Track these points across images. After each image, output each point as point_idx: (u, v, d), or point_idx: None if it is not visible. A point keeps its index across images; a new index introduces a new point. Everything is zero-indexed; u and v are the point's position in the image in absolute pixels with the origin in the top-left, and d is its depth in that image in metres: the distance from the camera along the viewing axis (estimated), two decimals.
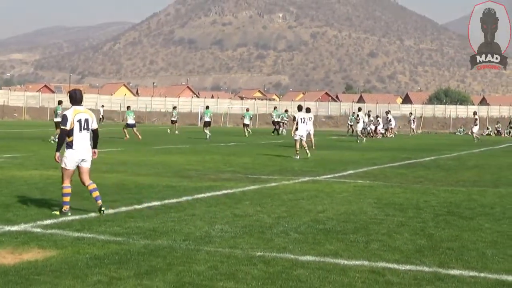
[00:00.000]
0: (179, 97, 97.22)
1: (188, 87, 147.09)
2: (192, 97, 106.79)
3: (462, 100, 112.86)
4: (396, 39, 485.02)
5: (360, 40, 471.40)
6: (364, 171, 17.54)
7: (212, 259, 6.69)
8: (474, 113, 45.27)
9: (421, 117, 68.06)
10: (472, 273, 6.36)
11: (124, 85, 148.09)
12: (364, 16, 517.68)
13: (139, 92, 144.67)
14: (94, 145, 9.77)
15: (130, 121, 34.17)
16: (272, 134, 44.48)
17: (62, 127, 9.38)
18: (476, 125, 41.93)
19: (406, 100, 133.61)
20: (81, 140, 9.43)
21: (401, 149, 29.33)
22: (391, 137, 46.45)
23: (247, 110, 47.59)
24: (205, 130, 35.67)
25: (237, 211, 9.90)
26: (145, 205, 10.26)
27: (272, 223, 8.94)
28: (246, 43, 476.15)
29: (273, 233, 8.22)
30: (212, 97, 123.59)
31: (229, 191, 12.33)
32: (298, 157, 21.35)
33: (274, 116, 47.42)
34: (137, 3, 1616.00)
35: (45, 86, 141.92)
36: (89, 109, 10.09)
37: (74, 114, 9.42)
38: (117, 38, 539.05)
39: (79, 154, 9.41)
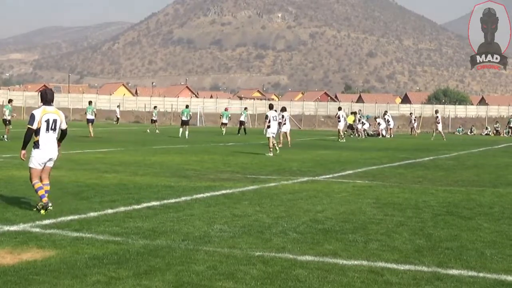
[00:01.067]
0: (178, 97, 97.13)
1: (187, 87, 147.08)
2: (191, 97, 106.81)
3: (461, 100, 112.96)
4: (395, 39, 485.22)
5: (359, 40, 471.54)
6: (363, 171, 17.55)
7: (211, 259, 6.69)
8: (436, 112, 45.49)
9: (420, 117, 68.11)
10: (471, 273, 6.36)
11: (123, 85, 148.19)
12: (363, 16, 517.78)
13: (138, 92, 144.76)
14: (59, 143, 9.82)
15: (89, 116, 34.13)
16: (238, 134, 43.00)
17: (28, 126, 9.45)
18: (439, 123, 42.29)
19: (405, 100, 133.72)
20: (48, 140, 9.48)
21: (400, 149, 29.34)
22: (388, 137, 46.41)
23: (226, 109, 47.63)
24: (180, 129, 36.00)
25: (236, 211, 9.89)
26: (144, 205, 10.25)
27: (271, 223, 8.94)
28: (245, 43, 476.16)
29: (272, 233, 8.21)
30: (211, 97, 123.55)
31: (228, 191, 12.32)
32: (271, 154, 22.51)
33: (243, 117, 46.78)
34: (136, 3, 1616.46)
35: (44, 86, 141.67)
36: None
37: (43, 114, 9.46)
38: (116, 38, 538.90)
39: (46, 154, 9.49)
